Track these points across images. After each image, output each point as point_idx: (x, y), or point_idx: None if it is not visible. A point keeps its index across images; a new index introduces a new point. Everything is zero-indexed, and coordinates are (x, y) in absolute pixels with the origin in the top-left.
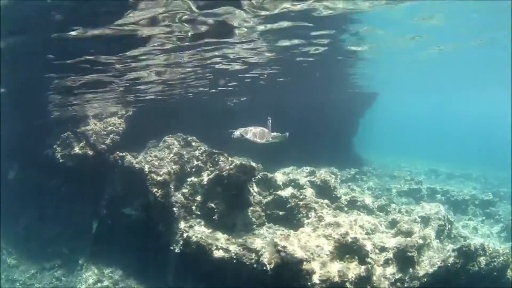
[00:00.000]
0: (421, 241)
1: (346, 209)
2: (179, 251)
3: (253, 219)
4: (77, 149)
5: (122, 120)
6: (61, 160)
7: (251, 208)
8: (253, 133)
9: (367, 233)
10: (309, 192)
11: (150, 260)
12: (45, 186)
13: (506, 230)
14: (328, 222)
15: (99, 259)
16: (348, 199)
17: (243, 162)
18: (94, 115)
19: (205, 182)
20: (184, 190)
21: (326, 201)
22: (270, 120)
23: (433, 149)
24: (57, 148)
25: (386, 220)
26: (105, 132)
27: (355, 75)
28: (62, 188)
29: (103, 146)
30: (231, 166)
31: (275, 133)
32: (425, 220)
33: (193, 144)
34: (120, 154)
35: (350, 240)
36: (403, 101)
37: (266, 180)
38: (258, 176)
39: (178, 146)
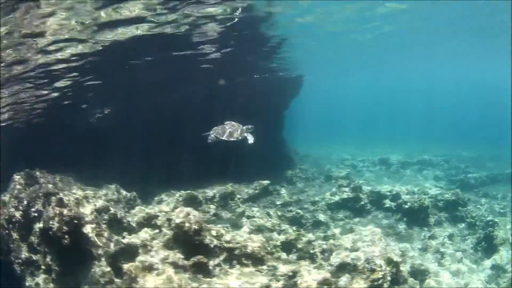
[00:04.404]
0: None
1: (213, 263)
2: None
3: (97, 277)
4: None
5: None
6: None
7: (95, 261)
8: (228, 133)
9: None
10: (162, 239)
11: None
12: None
13: (484, 240)
14: None
15: None
16: (221, 243)
17: (66, 212)
18: None
19: (35, 235)
20: (31, 240)
21: (173, 256)
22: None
23: (389, 133)
24: None
25: (286, 273)
26: None
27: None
28: None
29: None
30: (52, 215)
31: (246, 126)
32: (351, 270)
33: (40, 180)
34: None
35: None
36: (346, 82)
37: (117, 221)
38: (105, 217)
39: (20, 186)
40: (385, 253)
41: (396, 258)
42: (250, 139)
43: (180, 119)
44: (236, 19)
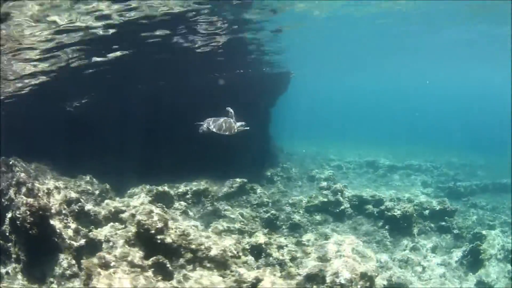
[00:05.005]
0: None
1: (173, 265)
2: None
3: (62, 270)
4: None
5: None
6: None
7: (61, 254)
8: (220, 125)
9: None
10: (124, 236)
11: None
12: None
13: (470, 253)
14: None
15: None
16: (184, 244)
17: (32, 202)
18: None
19: (7, 224)
20: (3, 228)
21: (133, 255)
22: (231, 111)
23: (380, 134)
24: None
25: (249, 281)
26: None
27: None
28: None
29: None
30: (19, 204)
31: (240, 123)
32: (319, 282)
33: (15, 169)
34: None
35: None
36: (340, 81)
37: (84, 214)
38: (74, 208)
39: None
40: (359, 266)
41: (370, 272)
42: (246, 126)
43: (162, 113)
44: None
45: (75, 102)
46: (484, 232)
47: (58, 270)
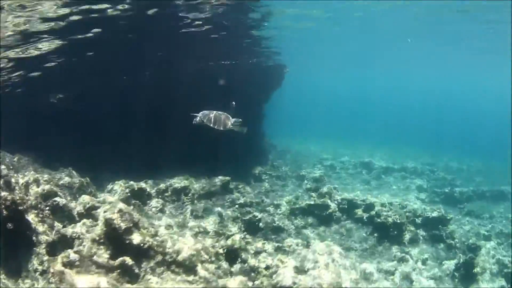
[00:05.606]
0: None
1: (141, 267)
2: None
3: (36, 265)
4: None
5: None
6: None
7: (35, 248)
8: (213, 119)
9: None
10: (93, 234)
11: None
12: None
13: (463, 266)
14: None
15: None
16: (153, 246)
17: (5, 195)
18: None
19: None
20: None
21: (99, 255)
22: (234, 104)
23: (379, 135)
24: None
25: None
26: None
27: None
28: None
29: None
30: None
31: (235, 119)
32: None
33: None
34: None
35: None
36: (341, 79)
37: (60, 209)
38: (50, 203)
39: None
40: (337, 280)
41: (350, 287)
42: (244, 129)
43: (149, 106)
44: None
45: (58, 94)
46: (479, 243)
47: (30, 266)
